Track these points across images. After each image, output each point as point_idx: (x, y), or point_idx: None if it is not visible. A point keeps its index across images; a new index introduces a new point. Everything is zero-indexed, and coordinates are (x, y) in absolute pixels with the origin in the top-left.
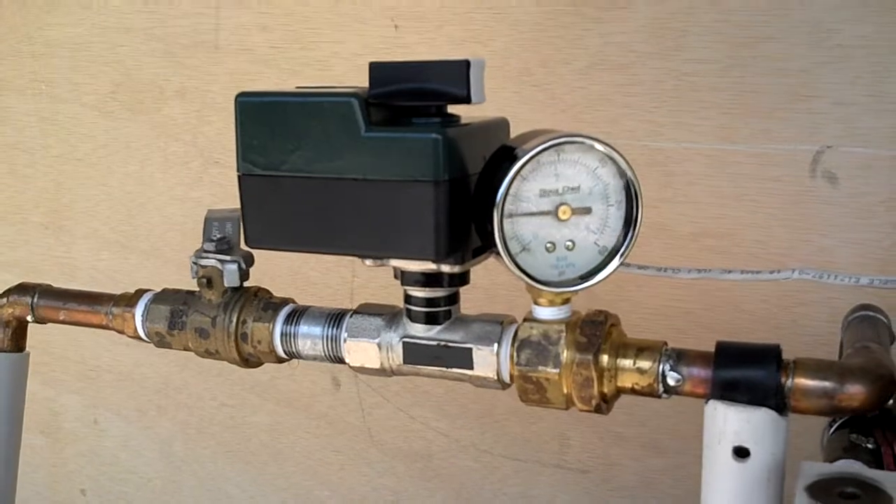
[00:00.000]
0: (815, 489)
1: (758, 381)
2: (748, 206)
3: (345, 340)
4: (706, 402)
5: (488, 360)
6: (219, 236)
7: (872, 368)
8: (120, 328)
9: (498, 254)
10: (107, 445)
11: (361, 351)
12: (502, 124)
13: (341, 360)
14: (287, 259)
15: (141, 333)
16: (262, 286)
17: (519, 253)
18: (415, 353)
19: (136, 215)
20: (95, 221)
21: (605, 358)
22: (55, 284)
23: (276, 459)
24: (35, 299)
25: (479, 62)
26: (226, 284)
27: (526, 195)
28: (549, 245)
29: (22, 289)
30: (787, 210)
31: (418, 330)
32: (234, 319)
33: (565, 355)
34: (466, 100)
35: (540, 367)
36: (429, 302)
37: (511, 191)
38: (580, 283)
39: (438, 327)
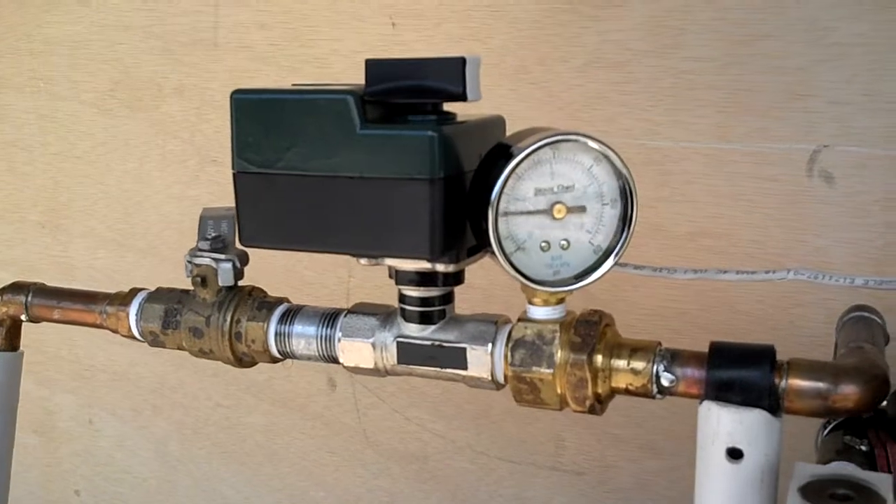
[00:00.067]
0: (808, 490)
1: (752, 381)
2: (745, 205)
3: (339, 340)
4: (700, 403)
5: (482, 360)
6: (214, 235)
7: (866, 369)
8: (114, 327)
9: (492, 253)
10: (101, 445)
11: (356, 351)
12: (498, 122)
13: (335, 360)
14: (283, 259)
15: (135, 332)
16: (258, 286)
17: (514, 252)
18: (409, 353)
19: (134, 214)
20: (93, 220)
21: (599, 358)
22: (52, 283)
23: (272, 460)
24: (29, 298)
25: (474, 59)
26: (220, 283)
27: (521, 193)
28: (543, 244)
29: (16, 287)
30: (783, 210)
31: (413, 330)
32: (229, 319)
33: (559, 355)
34: (462, 97)
35: (534, 368)
36: (423, 301)
37: (506, 189)
38: (575, 283)
39: (433, 327)
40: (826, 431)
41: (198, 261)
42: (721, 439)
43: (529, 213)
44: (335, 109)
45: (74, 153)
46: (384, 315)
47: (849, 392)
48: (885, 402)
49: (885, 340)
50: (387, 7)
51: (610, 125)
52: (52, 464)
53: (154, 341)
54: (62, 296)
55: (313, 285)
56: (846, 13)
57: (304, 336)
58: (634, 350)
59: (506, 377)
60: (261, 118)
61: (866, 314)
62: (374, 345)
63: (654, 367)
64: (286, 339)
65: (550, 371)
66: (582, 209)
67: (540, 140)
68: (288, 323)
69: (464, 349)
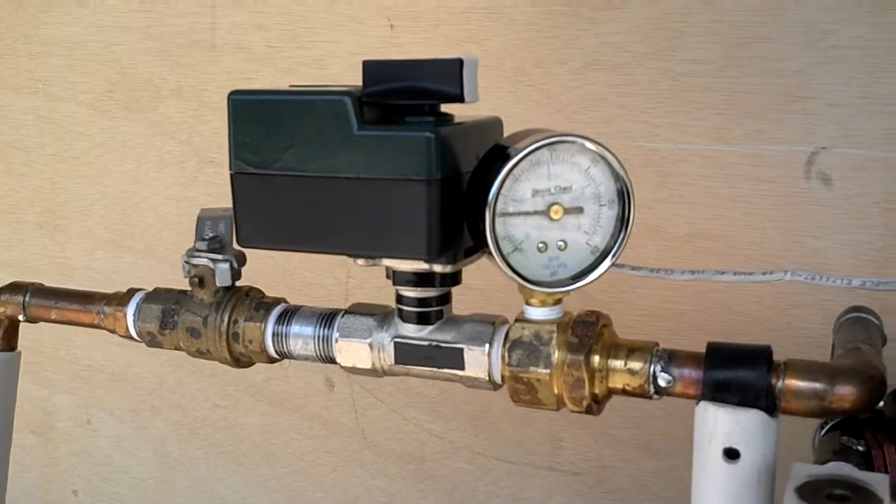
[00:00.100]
0: (804, 491)
1: (748, 382)
2: (743, 207)
3: (336, 340)
4: (697, 404)
5: (479, 361)
6: (211, 235)
7: (863, 370)
8: (111, 327)
9: (490, 253)
10: (99, 445)
11: (353, 351)
12: (496, 123)
13: (333, 361)
14: (282, 259)
15: (132, 333)
16: (256, 286)
17: (511, 253)
18: (406, 354)
19: (132, 214)
20: (90, 221)
21: (596, 359)
22: (50, 284)
23: (269, 461)
24: (26, 298)
25: (472, 61)
26: (218, 284)
27: (518, 195)
28: (540, 245)
29: (13, 288)
30: (781, 211)
31: (410, 330)
32: (226, 319)
33: (556, 356)
34: (460, 99)
35: (531, 368)
36: (420, 302)
37: (503, 190)
38: (572, 284)
39: (430, 327)
40: (823, 432)
41: (195, 261)
42: (718, 440)
43: (527, 214)
44: (332, 110)
45: (72, 154)
46: (381, 315)
47: (845, 393)
48: (882, 403)
49: (883, 341)
50: (385, 9)
51: (608, 127)
52: (51, 464)
53: (151, 342)
54: (60, 296)
55: (311, 286)
56: (844, 16)
57: (301, 336)
58: (631, 351)
59: (503, 377)
60: (258, 119)
61: (863, 315)
62: (371, 345)
63: (651, 368)
64: (283, 339)
65: (547, 371)
66: (579, 210)
67: (537, 141)
68: (285, 323)
69: (461, 349)
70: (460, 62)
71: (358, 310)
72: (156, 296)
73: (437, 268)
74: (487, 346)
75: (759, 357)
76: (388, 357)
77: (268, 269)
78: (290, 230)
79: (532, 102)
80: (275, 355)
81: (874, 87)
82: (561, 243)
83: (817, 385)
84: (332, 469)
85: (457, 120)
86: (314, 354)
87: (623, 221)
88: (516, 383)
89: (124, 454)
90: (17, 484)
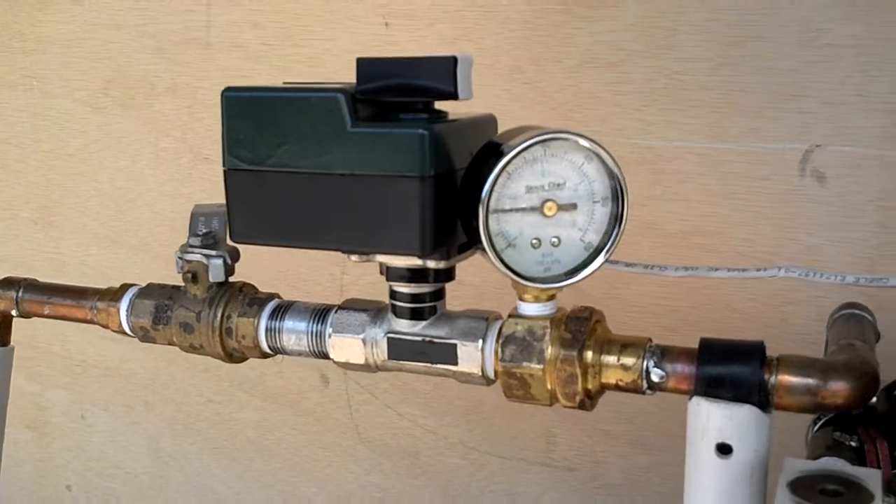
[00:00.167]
0: (797, 486)
1: (741, 377)
2: (737, 204)
3: (329, 336)
4: (690, 399)
5: (473, 356)
6: (205, 231)
7: (856, 365)
8: (104, 322)
9: (483, 250)
10: (93, 441)
11: (346, 346)
12: (489, 120)
13: (326, 356)
14: (276, 256)
15: (125, 328)
16: (250, 282)
17: (504, 249)
18: (399, 349)
19: (126, 211)
20: (85, 217)
21: (589, 354)
22: (44, 280)
23: (263, 456)
24: (20, 293)
25: (466, 58)
26: (211, 279)
27: (512, 191)
28: (534, 241)
29: (6, 283)
30: (775, 209)
31: (403, 326)
32: (219, 314)
33: (550, 351)
34: (453, 96)
35: (524, 363)
36: (414, 298)
37: (497, 187)
38: (565, 280)
39: (423, 323)
40: (816, 427)
41: (189, 257)
42: (710, 435)
43: (520, 210)
44: (326, 107)
45: (67, 151)
46: (375, 311)
47: (838, 388)
48: (874, 399)
49: (876, 338)
50: (380, 7)
51: (603, 125)
52: (44, 459)
53: (145, 337)
54: (53, 291)
55: (306, 282)
56: (839, 14)
57: (294, 332)
58: (624, 346)
59: (496, 373)
60: (252, 115)
61: (857, 311)
62: (364, 341)
63: (644, 363)
64: (277, 334)
65: (540, 367)
66: (573, 207)
67: (531, 138)
68: (278, 319)
69: (454, 345)
70: (454, 60)
71: (351, 305)
72: (149, 291)
73: (431, 264)
74: (481, 341)
75: (752, 353)
76: (382, 352)
77: (263, 266)
78: (283, 226)
79: (527, 100)
80: (268, 351)
81: (869, 86)
82: (554, 240)
83: (810, 381)
84: (326, 464)
85: (451, 117)
86: (307, 350)
87: (617, 218)
88: (509, 379)
89: (118, 449)
90: (11, 479)
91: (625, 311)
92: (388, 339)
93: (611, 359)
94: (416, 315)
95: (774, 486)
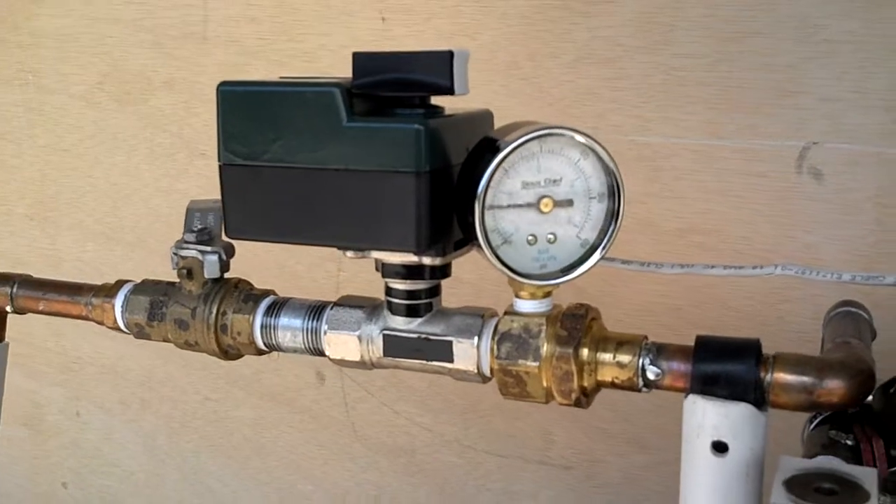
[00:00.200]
0: (792, 484)
1: (737, 375)
2: (734, 201)
3: (325, 333)
4: (685, 397)
5: (468, 354)
6: (200, 227)
7: (852, 364)
8: (99, 319)
9: (479, 246)
10: (89, 438)
11: (342, 343)
12: (486, 116)
13: (322, 353)
14: (273, 253)
15: (120, 324)
16: (247, 279)
17: (500, 245)
18: (395, 346)
19: (122, 207)
20: (81, 213)
21: (585, 352)
22: (40, 276)
23: (259, 454)
24: (14, 289)
25: (462, 53)
26: (206, 275)
27: (508, 187)
28: (530, 238)
29: (1, 278)
30: (772, 206)
31: (399, 322)
32: (214, 311)
33: (545, 349)
34: (450, 91)
35: (520, 361)
36: (410, 294)
37: (493, 182)
38: (562, 277)
39: (419, 320)
40: (812, 426)
41: (184, 253)
42: (706, 433)
43: (516, 206)
44: (322, 102)
45: (62, 146)
46: (370, 308)
47: (834, 387)
48: (870, 397)
49: (872, 336)
50: (377, 2)
51: (600, 121)
52: (40, 456)
53: (139, 333)
54: (47, 287)
55: (303, 279)
56: (836, 10)
57: (289, 328)
58: (620, 344)
59: (492, 370)
60: (247, 110)
61: (853, 309)
62: (360, 337)
63: (640, 361)
64: (272, 331)
65: (536, 364)
66: (569, 203)
67: (527, 134)
68: (274, 315)
69: (450, 342)
70: (450, 54)
71: (347, 302)
72: (144, 287)
73: (427, 260)
74: (476, 338)
75: (747, 350)
76: (377, 349)
77: (259, 263)
78: (278, 222)
79: (524, 96)
80: (263, 347)
81: (866, 82)
82: (550, 236)
83: (806, 379)
84: (322, 462)
85: (447, 112)
86: (303, 347)
87: (613, 215)
88: (505, 376)
89: (114, 447)
90: (6, 476)
91: (622, 310)
92: (384, 335)
93: (607, 356)
94: (411, 312)
95: (770, 484)
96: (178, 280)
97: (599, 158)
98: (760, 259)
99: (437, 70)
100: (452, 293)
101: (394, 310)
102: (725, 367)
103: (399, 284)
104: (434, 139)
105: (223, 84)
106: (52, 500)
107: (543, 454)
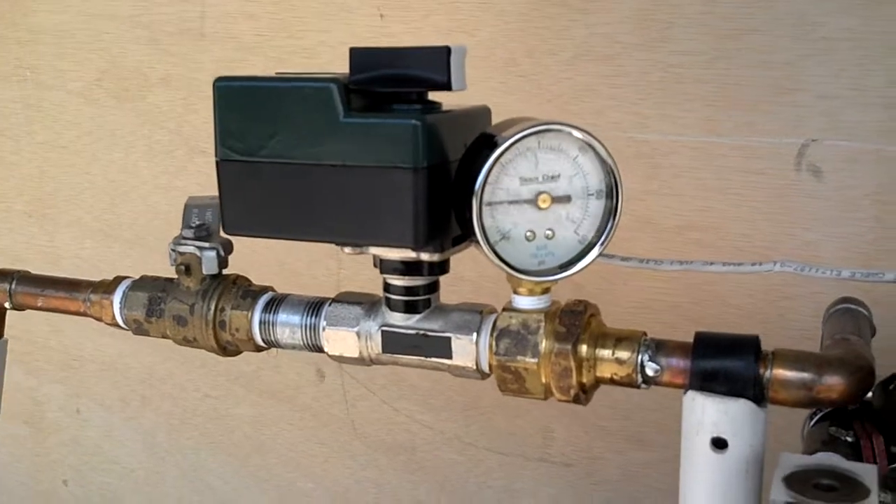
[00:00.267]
0: (792, 480)
1: (736, 371)
2: (733, 199)
3: (323, 329)
4: (685, 393)
5: (467, 350)
6: (198, 223)
7: (851, 360)
8: (98, 315)
9: (477, 242)
10: (90, 435)
11: (340, 340)
12: (484, 112)
13: (320, 349)
14: (273, 251)
15: (119, 320)
16: (244, 275)
17: (498, 241)
18: (393, 342)
19: (120, 204)
20: (79, 210)
21: (583, 348)
22: (37, 272)
23: (260, 451)
24: (13, 285)
25: (459, 49)
26: (204, 272)
27: (506, 183)
28: (528, 234)
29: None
30: (771, 203)
31: (397, 319)
32: (213, 307)
33: (544, 345)
34: (447, 86)
35: (518, 357)
36: (408, 290)
37: (490, 178)
38: (560, 273)
39: (417, 316)
40: (812, 422)
41: (182, 249)
42: (706, 429)
43: (514, 202)
44: (319, 97)
45: (60, 143)
46: (369, 304)
47: (833, 383)
48: (870, 394)
49: (872, 332)
50: None
51: (598, 118)
52: (41, 454)
53: (138, 329)
54: (46, 283)
55: (303, 276)
56: (834, 7)
57: (288, 325)
58: (619, 340)
59: (490, 367)
60: (244, 106)
61: (853, 306)
62: (358, 334)
63: (639, 357)
64: (270, 327)
65: (535, 360)
66: (567, 199)
67: (525, 130)
68: (272, 312)
69: (448, 338)
70: (447, 50)
71: (345, 298)
72: (142, 284)
73: (425, 256)
74: (475, 334)
75: (746, 346)
76: (376, 346)
77: (259, 261)
78: (276, 218)
79: (523, 93)
80: (262, 344)
81: (864, 79)
82: (549, 232)
83: (805, 375)
84: (322, 460)
85: (445, 108)
86: (301, 343)
87: (611, 211)
88: (504, 372)
89: (114, 444)
90: (7, 474)
91: (621, 306)
92: (383, 332)
93: (605, 353)
94: (410, 308)
95: (770, 480)
96: (176, 276)
97: (598, 155)
98: (760, 256)
99: (434, 66)
100: (452, 290)
101: (392, 306)
102: (724, 363)
103: (397, 280)
104: (431, 135)
105: (220, 80)
106: (52, 498)
107: (543, 451)
